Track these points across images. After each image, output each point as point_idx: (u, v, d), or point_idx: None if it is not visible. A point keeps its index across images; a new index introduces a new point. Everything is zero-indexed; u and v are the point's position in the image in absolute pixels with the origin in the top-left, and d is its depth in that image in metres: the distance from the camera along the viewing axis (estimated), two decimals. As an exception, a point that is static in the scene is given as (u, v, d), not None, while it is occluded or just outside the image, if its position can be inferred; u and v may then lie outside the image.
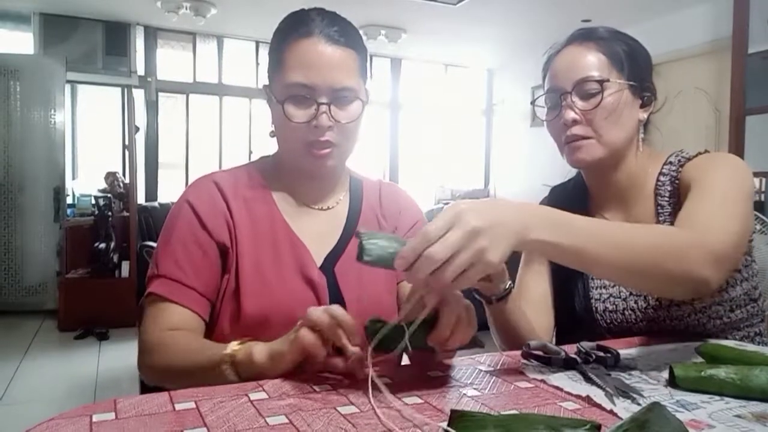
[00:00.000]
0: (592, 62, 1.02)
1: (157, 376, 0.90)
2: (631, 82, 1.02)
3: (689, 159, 1.02)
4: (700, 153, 1.03)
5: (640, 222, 1.05)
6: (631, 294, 1.04)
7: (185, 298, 0.92)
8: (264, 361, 0.74)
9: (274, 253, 0.97)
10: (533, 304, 1.11)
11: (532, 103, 1.11)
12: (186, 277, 0.93)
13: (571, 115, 1.01)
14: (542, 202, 1.22)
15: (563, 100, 1.02)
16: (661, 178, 1.04)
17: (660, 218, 1.02)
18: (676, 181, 1.02)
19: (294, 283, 0.95)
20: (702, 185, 0.93)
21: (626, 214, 1.08)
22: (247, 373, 0.76)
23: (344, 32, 0.95)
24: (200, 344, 0.88)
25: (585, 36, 1.05)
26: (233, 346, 0.78)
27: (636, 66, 1.03)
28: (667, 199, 1.03)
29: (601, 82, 1.00)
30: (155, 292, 0.92)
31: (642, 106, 1.05)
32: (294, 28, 0.95)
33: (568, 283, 1.10)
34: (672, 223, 1.00)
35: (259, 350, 0.76)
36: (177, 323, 0.91)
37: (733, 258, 0.86)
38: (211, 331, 0.95)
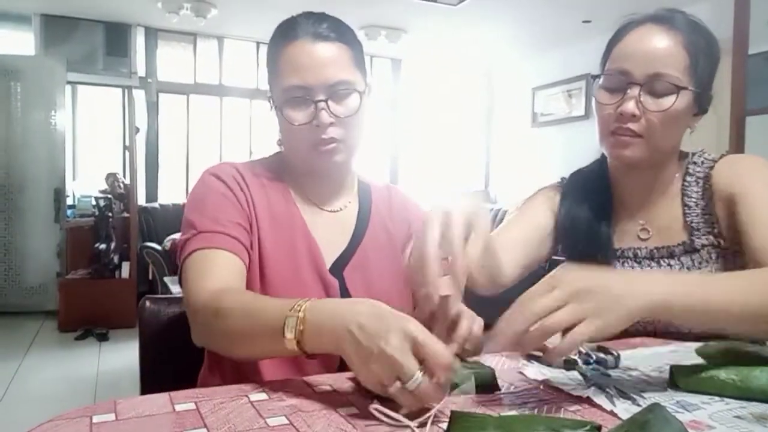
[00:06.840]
0: (673, 59, 0.93)
1: (210, 340, 0.84)
2: (699, 90, 0.95)
3: (715, 161, 1.01)
4: (722, 155, 1.01)
5: (665, 221, 1.04)
6: None
7: (230, 245, 0.89)
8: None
9: (291, 248, 0.96)
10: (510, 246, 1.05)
11: (593, 77, 1.01)
12: (227, 229, 0.90)
13: (632, 108, 0.93)
14: (557, 188, 1.16)
15: (629, 88, 0.93)
16: (688, 179, 1.02)
17: (687, 218, 1.01)
18: (706, 184, 1.00)
19: (309, 282, 0.95)
20: (759, 204, 0.91)
21: (651, 213, 1.05)
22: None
23: (332, 28, 0.94)
24: (260, 304, 0.78)
25: (668, 20, 0.95)
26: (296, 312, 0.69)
27: (708, 72, 0.97)
28: (694, 200, 1.01)
29: (678, 87, 0.92)
30: (198, 247, 0.88)
31: (695, 115, 0.99)
32: (283, 34, 0.95)
33: None
34: (700, 223, 0.99)
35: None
36: (226, 276, 0.86)
37: None
38: None
